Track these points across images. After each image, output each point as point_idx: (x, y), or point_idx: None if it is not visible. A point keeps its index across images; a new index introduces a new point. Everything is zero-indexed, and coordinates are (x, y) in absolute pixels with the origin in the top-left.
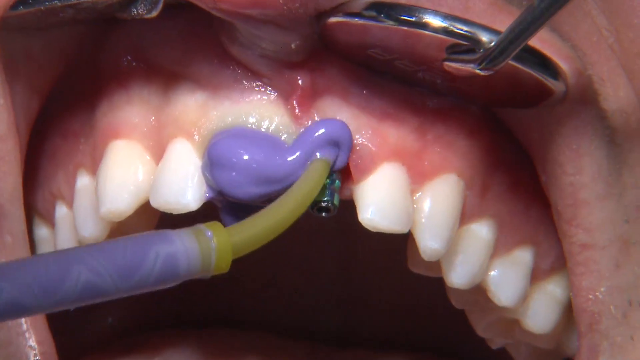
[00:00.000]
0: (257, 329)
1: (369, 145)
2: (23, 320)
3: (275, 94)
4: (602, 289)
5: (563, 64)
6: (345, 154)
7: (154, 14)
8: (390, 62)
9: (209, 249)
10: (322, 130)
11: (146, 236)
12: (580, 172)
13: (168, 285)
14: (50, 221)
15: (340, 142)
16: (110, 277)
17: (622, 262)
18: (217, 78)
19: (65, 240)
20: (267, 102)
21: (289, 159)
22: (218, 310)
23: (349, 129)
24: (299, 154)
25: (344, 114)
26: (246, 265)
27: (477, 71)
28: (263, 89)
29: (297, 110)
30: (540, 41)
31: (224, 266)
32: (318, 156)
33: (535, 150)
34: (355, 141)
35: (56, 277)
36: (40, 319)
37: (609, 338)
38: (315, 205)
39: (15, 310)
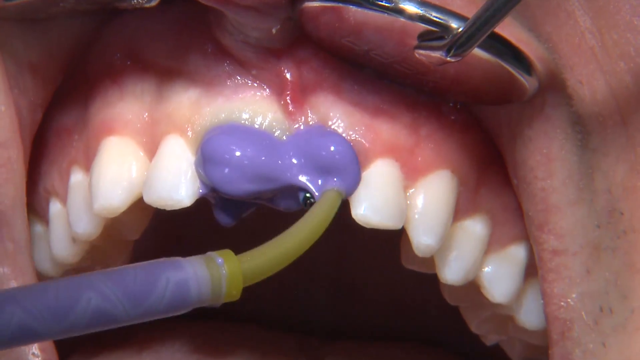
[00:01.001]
0: (248, 322)
1: (362, 141)
2: None
3: (268, 90)
4: (574, 296)
5: (537, 64)
6: (348, 177)
7: (154, 3)
8: (366, 53)
9: (220, 276)
10: (321, 147)
11: (157, 263)
12: (551, 176)
13: (178, 312)
14: (44, 218)
15: (341, 169)
16: (120, 303)
17: (592, 268)
18: (210, 74)
19: (59, 236)
20: (261, 99)
21: (283, 160)
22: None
23: (352, 152)
24: (293, 156)
25: (337, 111)
26: None
27: (447, 58)
28: (256, 85)
29: (290, 107)
30: (516, 40)
31: (235, 294)
32: (331, 186)
33: (506, 153)
34: (348, 137)
35: (66, 302)
36: None
37: (581, 345)
38: (308, 201)
39: (26, 335)
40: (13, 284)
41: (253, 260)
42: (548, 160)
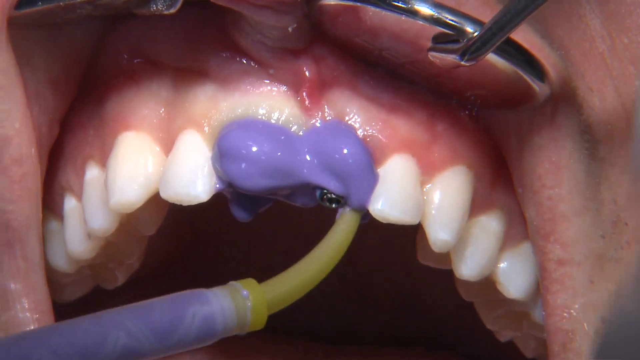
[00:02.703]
0: None
1: (379, 136)
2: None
3: (285, 86)
4: (577, 306)
5: (550, 71)
6: (360, 185)
7: (173, 10)
8: (379, 52)
9: (245, 308)
10: (335, 150)
11: (182, 296)
12: (559, 185)
13: (205, 344)
14: (59, 214)
15: (353, 175)
16: (147, 341)
17: (596, 278)
18: (226, 70)
19: (74, 232)
20: (277, 94)
21: (299, 156)
22: None
23: (366, 158)
24: (308, 153)
25: (353, 106)
26: (244, 261)
27: (461, 62)
28: (273, 81)
29: (307, 102)
30: (529, 46)
31: (260, 323)
32: (348, 210)
33: (513, 161)
34: (365, 133)
35: (94, 343)
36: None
37: (582, 357)
38: (324, 196)
39: None
40: (24, 301)
41: (276, 289)
42: (557, 168)
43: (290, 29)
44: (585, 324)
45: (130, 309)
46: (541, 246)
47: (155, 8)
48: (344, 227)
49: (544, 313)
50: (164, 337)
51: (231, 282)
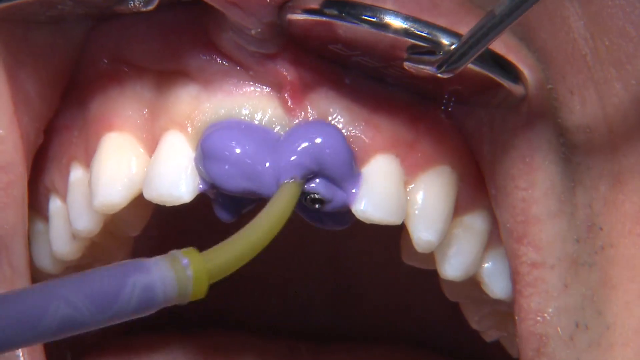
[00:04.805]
0: (244, 326)
1: (362, 137)
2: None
3: (268, 86)
4: (550, 310)
5: (526, 73)
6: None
7: (150, 7)
8: (352, 58)
9: (186, 277)
10: (313, 144)
11: (123, 266)
12: (532, 186)
13: (145, 314)
14: (44, 215)
15: (333, 168)
16: (87, 311)
17: (570, 282)
18: (208, 71)
19: (59, 233)
20: (260, 94)
21: (282, 157)
22: (203, 309)
23: (347, 151)
24: (292, 153)
25: (336, 106)
26: None
27: (437, 74)
28: (256, 81)
29: (289, 103)
30: (505, 47)
31: (200, 293)
32: (290, 180)
33: (486, 162)
34: (348, 133)
35: (35, 313)
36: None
37: None
38: (308, 197)
39: None
40: None
41: (218, 258)
42: (530, 169)
43: (253, 32)
44: (559, 328)
45: (71, 279)
46: (514, 249)
47: (132, 5)
48: (285, 196)
49: (517, 317)
50: (103, 306)
51: (172, 251)
